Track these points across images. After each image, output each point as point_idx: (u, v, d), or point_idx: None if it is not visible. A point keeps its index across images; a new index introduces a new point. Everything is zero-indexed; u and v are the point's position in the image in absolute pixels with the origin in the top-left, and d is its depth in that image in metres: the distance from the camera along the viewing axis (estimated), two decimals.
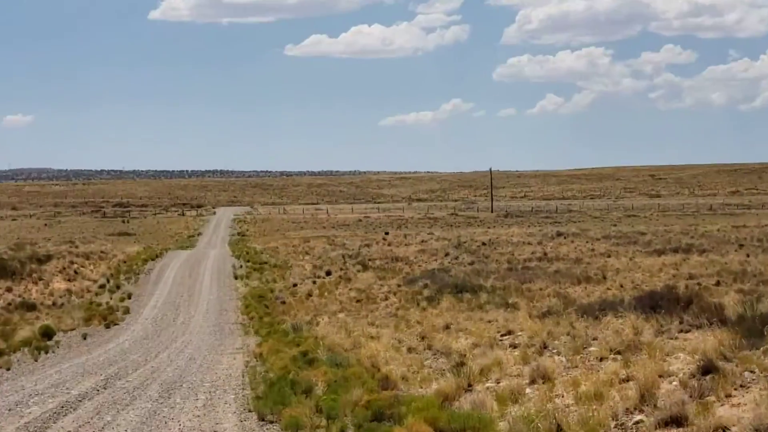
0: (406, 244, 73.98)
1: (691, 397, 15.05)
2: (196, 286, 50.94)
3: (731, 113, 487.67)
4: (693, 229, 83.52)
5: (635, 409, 15.14)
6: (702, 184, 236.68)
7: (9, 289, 47.19)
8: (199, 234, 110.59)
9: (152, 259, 67.55)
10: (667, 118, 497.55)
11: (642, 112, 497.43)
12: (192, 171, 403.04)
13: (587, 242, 69.42)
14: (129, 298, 45.64)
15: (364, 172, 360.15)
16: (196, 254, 74.66)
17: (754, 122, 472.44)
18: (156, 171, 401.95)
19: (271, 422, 17.27)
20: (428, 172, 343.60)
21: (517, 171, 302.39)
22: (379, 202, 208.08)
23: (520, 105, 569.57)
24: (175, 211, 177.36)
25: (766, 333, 18.40)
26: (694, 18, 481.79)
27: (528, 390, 17.66)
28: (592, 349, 20.96)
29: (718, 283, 38.95)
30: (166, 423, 17.59)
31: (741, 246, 60.74)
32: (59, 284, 50.26)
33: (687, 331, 21.50)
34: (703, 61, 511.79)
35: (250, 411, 18.30)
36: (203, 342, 31.11)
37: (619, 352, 19.87)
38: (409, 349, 24.66)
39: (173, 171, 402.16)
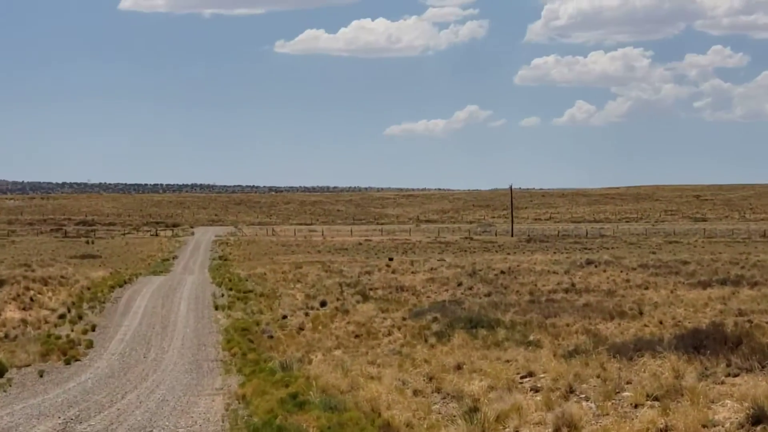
0: (412, 272, 74.06)
1: None
2: (170, 317, 50.99)
3: None
4: (743, 258, 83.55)
5: None
6: (754, 207, 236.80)
7: None
8: (175, 257, 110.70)
9: (120, 286, 67.62)
10: (714, 130, 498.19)
11: (686, 123, 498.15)
12: (167, 185, 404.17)
13: (622, 272, 69.48)
14: (93, 330, 45.65)
15: (366, 189, 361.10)
16: (171, 281, 74.78)
17: None
18: (126, 185, 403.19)
19: None
20: (439, 189, 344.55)
21: (541, 189, 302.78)
22: (382, 223, 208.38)
23: (545, 113, 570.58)
24: (148, 231, 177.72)
25: None
26: (746, 16, 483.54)
27: None
28: (625, 394, 20.96)
29: None
30: None
31: None
32: (12, 313, 50.27)
33: (735, 375, 21.50)
34: (756, 66, 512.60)
35: None
36: (178, 381, 31.11)
37: (656, 398, 19.88)
38: (415, 392, 24.67)
39: (146, 185, 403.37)
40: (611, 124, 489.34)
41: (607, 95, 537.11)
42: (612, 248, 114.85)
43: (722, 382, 20.99)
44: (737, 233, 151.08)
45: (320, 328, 43.45)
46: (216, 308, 54.43)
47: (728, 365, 22.26)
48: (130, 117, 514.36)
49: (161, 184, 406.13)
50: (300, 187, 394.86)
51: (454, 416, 20.66)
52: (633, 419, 18.36)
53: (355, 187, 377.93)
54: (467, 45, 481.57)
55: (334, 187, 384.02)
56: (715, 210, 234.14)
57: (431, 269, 75.89)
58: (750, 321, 38.56)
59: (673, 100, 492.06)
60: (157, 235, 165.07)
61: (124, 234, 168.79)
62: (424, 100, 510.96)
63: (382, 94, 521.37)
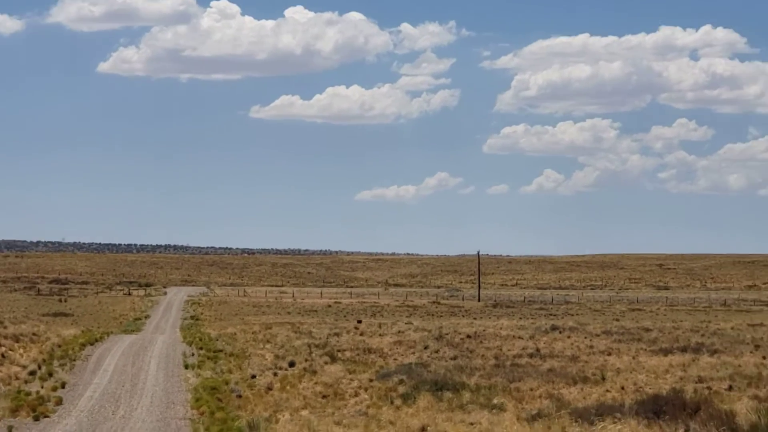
0: (380, 335, 73.88)
1: None
2: (140, 375, 50.68)
3: (750, 198, 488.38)
4: (704, 326, 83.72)
5: None
6: (715, 277, 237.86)
7: None
8: (147, 317, 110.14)
9: (91, 344, 67.16)
10: (678, 201, 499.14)
11: (650, 194, 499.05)
12: (141, 245, 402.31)
13: (585, 338, 69.49)
14: (63, 387, 45.29)
15: (336, 252, 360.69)
16: (142, 339, 74.39)
17: None
18: (100, 244, 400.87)
19: None
20: (408, 254, 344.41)
21: (508, 256, 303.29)
22: (351, 286, 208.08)
23: (514, 181, 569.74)
24: (120, 290, 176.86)
25: None
26: (710, 90, 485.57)
27: None
28: None
29: (730, 388, 39.05)
30: None
31: (757, 347, 60.90)
32: None
33: None
34: (719, 139, 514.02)
35: None
36: None
37: None
38: None
39: (119, 245, 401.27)
40: (578, 193, 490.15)
41: (574, 165, 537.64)
42: (576, 315, 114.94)
43: None
44: (698, 302, 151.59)
45: (288, 388, 43.27)
46: (186, 367, 54.12)
47: (687, 430, 22.27)
48: (106, 178, 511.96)
49: (135, 245, 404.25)
50: (272, 249, 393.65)
51: None
52: None
53: (325, 251, 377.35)
54: (438, 113, 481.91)
55: (305, 250, 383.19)
56: (678, 279, 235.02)
57: (399, 332, 75.72)
58: (709, 388, 38.62)
59: (639, 171, 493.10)
60: (129, 294, 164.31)
61: (97, 293, 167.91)
62: (395, 166, 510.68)
63: (354, 159, 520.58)
